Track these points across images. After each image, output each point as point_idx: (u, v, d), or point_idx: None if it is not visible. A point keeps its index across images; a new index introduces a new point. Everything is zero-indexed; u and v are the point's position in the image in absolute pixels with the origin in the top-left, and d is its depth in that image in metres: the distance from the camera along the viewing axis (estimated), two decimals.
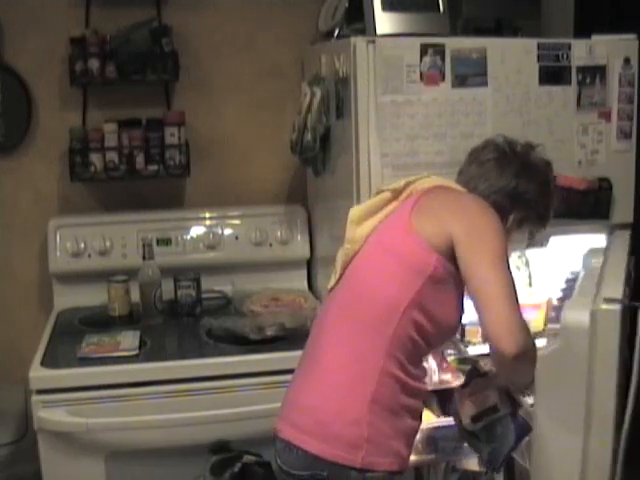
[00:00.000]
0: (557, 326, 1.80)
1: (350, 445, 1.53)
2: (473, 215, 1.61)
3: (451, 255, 1.57)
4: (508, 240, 1.67)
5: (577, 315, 1.67)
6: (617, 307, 1.64)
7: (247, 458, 2.01)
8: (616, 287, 1.76)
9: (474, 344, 2.33)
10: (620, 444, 1.68)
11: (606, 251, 2.16)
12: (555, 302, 2.25)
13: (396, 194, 1.74)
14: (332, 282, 1.72)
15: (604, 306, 1.65)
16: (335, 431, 1.54)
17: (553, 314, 2.14)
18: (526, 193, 1.74)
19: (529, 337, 1.52)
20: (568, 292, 2.15)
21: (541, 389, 1.71)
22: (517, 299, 1.54)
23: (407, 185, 1.74)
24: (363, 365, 1.56)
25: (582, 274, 2.08)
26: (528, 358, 1.55)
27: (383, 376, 1.55)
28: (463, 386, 1.82)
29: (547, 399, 1.71)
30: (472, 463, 2.22)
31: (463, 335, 2.35)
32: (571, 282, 2.24)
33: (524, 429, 1.74)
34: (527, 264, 2.55)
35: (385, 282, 1.60)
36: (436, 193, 1.68)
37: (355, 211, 1.74)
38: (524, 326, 1.52)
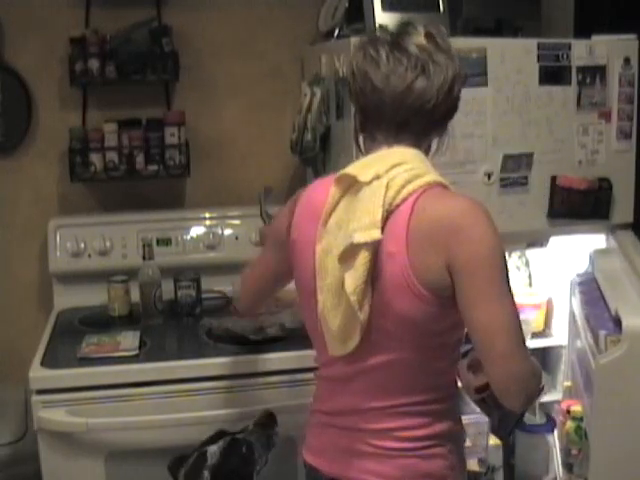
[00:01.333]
0: (604, 332, 1.77)
1: (439, 477, 1.50)
2: (473, 239, 1.36)
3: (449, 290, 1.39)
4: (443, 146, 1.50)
5: (637, 321, 1.64)
6: None
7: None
8: None
9: None
10: None
11: (618, 251, 2.12)
12: (581, 307, 2.15)
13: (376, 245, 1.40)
14: (340, 352, 1.49)
15: None
16: (424, 470, 1.49)
17: (591, 320, 2.01)
18: (459, 90, 1.44)
19: (538, 379, 1.40)
20: (590, 295, 2.09)
21: (603, 397, 1.69)
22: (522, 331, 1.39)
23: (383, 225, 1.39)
24: (430, 416, 1.52)
25: (600, 277, 2.04)
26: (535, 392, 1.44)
27: (452, 414, 1.54)
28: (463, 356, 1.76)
29: (609, 407, 1.68)
30: (472, 463, 2.22)
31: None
32: (585, 285, 2.19)
33: None
34: (527, 264, 2.55)
35: (422, 356, 1.46)
36: (422, 214, 1.39)
37: (355, 296, 1.39)
38: (533, 370, 1.38)
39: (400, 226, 1.38)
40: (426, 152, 1.50)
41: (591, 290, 2.10)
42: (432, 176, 1.43)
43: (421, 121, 1.44)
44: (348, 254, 1.39)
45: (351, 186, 1.44)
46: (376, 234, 1.36)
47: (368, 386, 1.50)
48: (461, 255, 1.35)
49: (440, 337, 1.44)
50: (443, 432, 1.49)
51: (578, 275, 2.28)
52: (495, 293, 1.36)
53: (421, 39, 1.43)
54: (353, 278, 1.38)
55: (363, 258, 1.37)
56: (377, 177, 1.41)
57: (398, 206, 1.39)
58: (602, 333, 1.81)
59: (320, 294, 1.47)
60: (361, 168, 1.45)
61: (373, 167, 1.43)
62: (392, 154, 1.45)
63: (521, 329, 1.39)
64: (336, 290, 1.43)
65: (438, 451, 1.49)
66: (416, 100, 1.41)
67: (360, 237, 1.36)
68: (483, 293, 1.36)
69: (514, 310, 1.38)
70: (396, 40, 1.43)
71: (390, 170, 1.41)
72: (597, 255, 2.21)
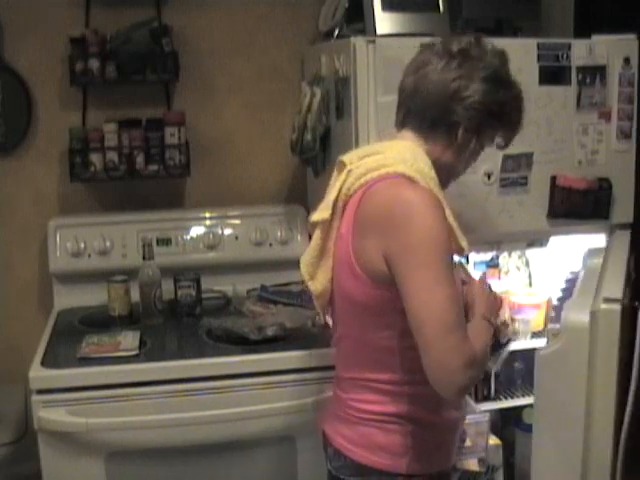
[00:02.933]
0: (557, 326, 1.80)
1: (395, 453, 1.55)
2: (406, 224, 1.40)
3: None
4: (466, 154, 1.56)
5: (577, 315, 1.67)
6: (617, 307, 1.64)
7: None
8: (616, 287, 1.76)
9: None
10: (620, 442, 1.68)
11: (606, 251, 2.16)
12: (555, 302, 2.25)
13: (327, 223, 1.57)
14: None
15: (604, 306, 1.65)
16: (380, 441, 1.56)
17: (553, 314, 2.14)
18: (469, 97, 1.50)
19: (471, 369, 1.37)
20: (568, 292, 2.15)
21: (542, 389, 1.71)
22: (459, 319, 1.39)
23: (334, 206, 1.56)
24: (390, 397, 1.57)
25: (582, 274, 2.08)
26: (473, 382, 1.50)
27: (413, 400, 1.55)
28: None
29: (548, 398, 1.71)
30: (472, 463, 2.22)
31: None
32: (571, 282, 2.24)
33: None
34: (527, 264, 2.55)
35: (368, 332, 1.54)
36: (369, 201, 1.48)
37: (303, 266, 1.61)
38: (466, 362, 1.37)
39: (351, 210, 1.51)
40: (435, 151, 1.55)
41: (571, 288, 2.12)
42: (398, 167, 1.48)
43: (421, 117, 1.55)
44: (311, 231, 1.62)
45: (343, 170, 1.59)
46: (326, 215, 1.55)
47: (340, 355, 1.67)
48: (393, 244, 1.41)
49: (382, 318, 1.50)
50: (401, 413, 1.55)
51: (571, 273, 2.30)
52: (424, 282, 1.38)
53: (440, 45, 1.56)
54: (307, 252, 1.61)
55: (316, 235, 1.59)
56: (350, 163, 1.56)
57: (356, 191, 1.52)
58: (549, 327, 1.83)
59: None
60: (351, 154, 1.61)
61: (356, 155, 1.59)
62: (382, 145, 1.60)
63: (456, 320, 1.39)
64: None
65: (396, 428, 1.55)
66: (407, 97, 1.57)
67: (315, 216, 1.58)
68: (413, 282, 1.39)
69: (444, 300, 1.37)
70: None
71: (361, 159, 1.55)
72: (588, 254, 2.22)
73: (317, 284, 1.60)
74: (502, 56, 1.59)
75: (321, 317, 1.73)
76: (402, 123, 1.60)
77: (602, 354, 1.63)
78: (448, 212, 1.49)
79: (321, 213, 1.57)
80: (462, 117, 1.52)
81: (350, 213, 1.52)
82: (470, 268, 2.40)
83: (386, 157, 1.52)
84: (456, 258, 1.66)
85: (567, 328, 1.69)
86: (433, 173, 1.52)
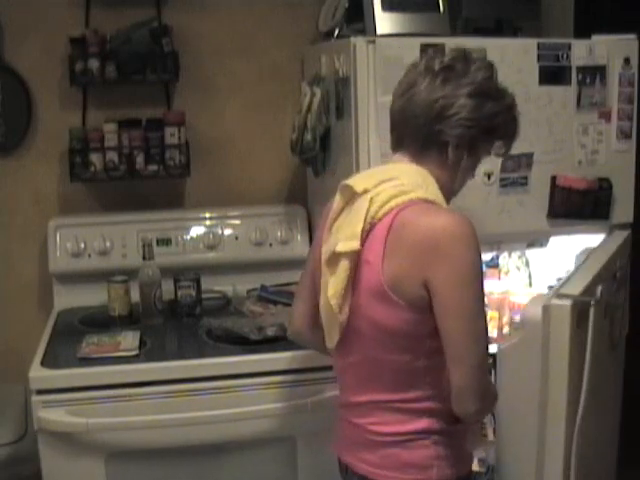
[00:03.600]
0: (518, 320, 1.84)
1: (422, 467, 1.54)
2: (448, 255, 1.42)
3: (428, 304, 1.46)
4: (462, 170, 1.57)
5: (532, 310, 1.70)
6: (567, 302, 1.67)
7: None
8: (578, 284, 1.78)
9: None
10: (574, 433, 1.70)
11: (593, 250, 2.16)
12: None
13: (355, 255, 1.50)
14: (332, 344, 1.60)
15: (555, 301, 1.68)
16: (406, 459, 1.55)
17: None
18: (456, 114, 1.49)
19: (488, 402, 1.52)
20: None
21: (502, 381, 1.75)
22: (486, 349, 1.49)
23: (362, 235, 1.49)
24: (407, 416, 1.56)
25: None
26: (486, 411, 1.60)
27: (430, 415, 1.55)
28: None
29: (508, 391, 1.74)
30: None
31: None
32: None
33: None
34: (527, 264, 2.55)
35: (393, 354, 1.52)
36: (401, 228, 1.46)
37: (335, 299, 1.52)
38: (490, 393, 1.52)
39: (379, 238, 1.47)
40: (433, 172, 1.54)
41: None
42: (419, 192, 1.49)
43: (412, 139, 1.55)
44: (332, 261, 1.52)
45: (352, 196, 1.54)
46: (355, 245, 1.47)
47: (352, 381, 1.62)
48: (440, 271, 1.42)
49: (411, 341, 1.50)
50: (423, 429, 1.54)
51: (567, 273, 2.30)
52: (470, 311, 1.43)
53: (423, 63, 1.55)
54: (333, 283, 1.51)
55: (343, 266, 1.49)
56: (366, 191, 1.51)
57: (380, 220, 1.48)
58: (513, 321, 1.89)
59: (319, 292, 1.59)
60: (360, 179, 1.56)
61: (368, 180, 1.54)
62: (388, 169, 1.57)
63: (487, 351, 1.49)
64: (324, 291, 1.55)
65: (420, 443, 1.54)
66: (397, 121, 1.57)
67: (341, 247, 1.49)
68: (461, 309, 1.43)
69: (483, 329, 1.47)
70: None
71: (378, 185, 1.51)
72: (581, 254, 2.23)
73: (344, 315, 1.53)
74: (488, 69, 1.56)
75: (329, 344, 1.62)
76: (396, 146, 1.59)
77: (554, 349, 1.66)
78: None
79: (349, 244, 1.48)
80: (450, 136, 1.51)
81: (378, 240, 1.48)
82: None
83: (403, 183, 1.50)
84: None
85: (523, 322, 1.73)
86: (441, 195, 1.53)
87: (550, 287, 2.29)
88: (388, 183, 1.51)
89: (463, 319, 1.43)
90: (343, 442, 1.66)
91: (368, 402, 1.58)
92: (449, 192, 1.59)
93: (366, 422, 1.58)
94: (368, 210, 1.48)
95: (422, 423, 1.54)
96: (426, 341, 1.49)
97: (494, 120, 1.54)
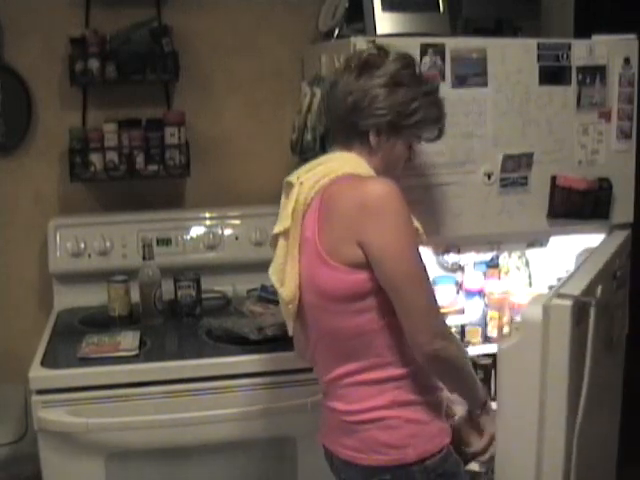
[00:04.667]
0: (518, 320, 1.83)
1: (399, 446, 1.59)
2: (378, 213, 1.51)
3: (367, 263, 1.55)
4: (394, 156, 1.68)
5: (532, 310, 1.70)
6: (568, 302, 1.66)
7: None
8: (578, 284, 1.78)
9: (474, 344, 2.34)
10: (574, 433, 1.70)
11: (593, 250, 2.16)
12: None
13: (287, 232, 1.65)
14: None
15: (555, 301, 1.68)
16: (383, 441, 1.60)
17: None
18: (368, 106, 1.60)
19: (442, 340, 1.55)
20: None
21: (501, 382, 1.75)
22: (434, 297, 1.58)
23: (293, 215, 1.63)
24: (374, 388, 1.61)
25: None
26: (447, 358, 1.58)
27: (395, 382, 1.60)
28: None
29: (507, 392, 1.74)
30: (472, 463, 2.22)
31: (463, 335, 2.36)
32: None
33: None
34: (527, 264, 2.55)
35: (345, 320, 1.59)
36: (330, 197, 1.58)
37: (273, 276, 1.69)
38: (441, 328, 1.58)
39: (313, 215, 1.60)
40: (367, 160, 1.66)
41: None
42: (346, 169, 1.62)
43: (338, 132, 1.70)
44: (272, 244, 1.71)
45: (290, 188, 1.68)
46: (286, 224, 1.63)
47: (320, 360, 1.70)
48: (370, 230, 1.51)
49: (360, 302, 1.56)
50: (392, 402, 1.59)
51: (567, 273, 2.29)
52: (405, 260, 1.53)
53: (343, 62, 1.70)
54: (274, 262, 1.69)
55: (281, 244, 1.67)
56: (298, 178, 1.65)
57: (313, 199, 1.61)
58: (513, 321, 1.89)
59: None
60: (296, 173, 1.69)
61: (301, 171, 1.68)
62: (320, 159, 1.70)
63: (431, 289, 1.59)
64: None
65: (393, 423, 1.59)
66: (330, 115, 1.72)
67: (276, 228, 1.67)
68: (394, 259, 1.52)
69: (423, 273, 1.56)
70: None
71: (309, 171, 1.65)
72: (581, 254, 2.22)
73: (287, 290, 1.65)
74: (404, 58, 1.66)
75: (289, 327, 1.74)
76: (331, 142, 1.73)
77: (554, 349, 1.66)
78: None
79: (281, 224, 1.66)
80: (367, 125, 1.62)
81: (312, 218, 1.60)
82: (470, 268, 2.40)
83: (332, 165, 1.64)
84: None
85: (523, 322, 1.73)
86: (373, 172, 1.64)
87: (550, 287, 2.29)
88: (317, 168, 1.65)
89: (401, 264, 1.51)
90: (325, 430, 1.72)
91: (335, 378, 1.63)
92: (387, 175, 1.65)
93: (338, 404, 1.64)
94: (299, 194, 1.62)
95: (388, 395, 1.59)
96: (372, 300, 1.55)
97: (410, 106, 1.62)
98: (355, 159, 1.65)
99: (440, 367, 1.59)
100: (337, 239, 1.55)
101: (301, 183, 1.64)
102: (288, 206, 1.65)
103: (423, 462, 1.59)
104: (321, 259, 1.57)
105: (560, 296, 1.70)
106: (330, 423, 1.70)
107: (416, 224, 1.63)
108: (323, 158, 1.70)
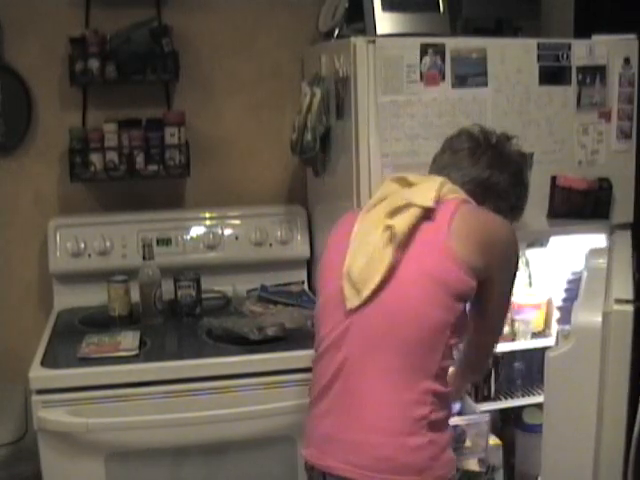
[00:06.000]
0: (567, 327, 1.79)
1: (420, 469, 1.54)
2: (503, 249, 1.67)
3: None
4: None
5: (589, 316, 1.67)
6: (629, 308, 1.64)
7: None
8: (626, 288, 1.76)
9: None
10: (632, 446, 1.68)
11: (609, 251, 2.15)
12: (561, 302, 2.23)
13: (426, 211, 1.63)
14: (356, 302, 1.60)
15: (616, 307, 1.65)
16: (403, 461, 1.54)
17: (559, 315, 2.13)
18: (498, 184, 1.75)
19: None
20: (572, 293, 2.14)
21: (552, 390, 1.71)
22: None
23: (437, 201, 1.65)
24: (413, 393, 1.55)
25: (585, 274, 2.08)
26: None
27: (434, 398, 1.57)
28: None
29: (559, 400, 1.71)
30: (472, 463, 2.22)
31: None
32: (574, 283, 2.24)
33: None
34: (527, 264, 2.55)
35: (432, 309, 1.56)
36: (464, 214, 1.63)
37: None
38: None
39: (444, 214, 1.61)
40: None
41: (574, 288, 2.12)
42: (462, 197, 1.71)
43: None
44: (399, 210, 1.62)
45: (406, 184, 1.71)
46: (430, 202, 1.61)
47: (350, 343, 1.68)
48: (495, 257, 1.63)
49: (456, 301, 1.60)
50: (425, 417, 1.55)
51: (572, 274, 2.29)
52: (506, 295, 1.79)
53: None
54: (401, 219, 1.60)
55: (414, 211, 1.60)
56: (430, 180, 1.71)
57: (445, 202, 1.64)
58: (558, 328, 1.88)
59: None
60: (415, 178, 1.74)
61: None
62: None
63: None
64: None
65: (419, 441, 1.55)
66: (444, 168, 1.80)
67: (418, 200, 1.61)
68: (501, 291, 1.74)
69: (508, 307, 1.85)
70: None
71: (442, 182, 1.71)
72: (590, 254, 2.22)
73: (389, 254, 1.61)
74: (526, 158, 1.86)
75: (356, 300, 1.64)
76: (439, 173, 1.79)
77: (614, 356, 1.62)
78: None
79: (425, 200, 1.62)
80: (487, 199, 1.74)
81: (444, 216, 1.61)
82: None
83: (452, 189, 1.71)
84: None
85: (578, 329, 1.68)
86: None
87: (566, 289, 2.26)
88: (439, 183, 1.69)
89: (501, 298, 1.75)
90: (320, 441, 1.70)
91: (373, 365, 1.57)
92: None
93: (365, 398, 1.56)
94: (440, 189, 1.64)
95: (426, 409, 1.55)
96: (462, 309, 1.61)
97: (518, 202, 1.84)
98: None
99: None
100: (466, 246, 1.58)
101: (441, 182, 1.67)
102: (430, 192, 1.63)
103: None
104: (448, 254, 1.56)
105: (619, 302, 1.67)
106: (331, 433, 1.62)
107: None
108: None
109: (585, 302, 1.76)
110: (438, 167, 1.78)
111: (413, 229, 1.59)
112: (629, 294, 1.70)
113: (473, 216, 1.65)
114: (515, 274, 1.75)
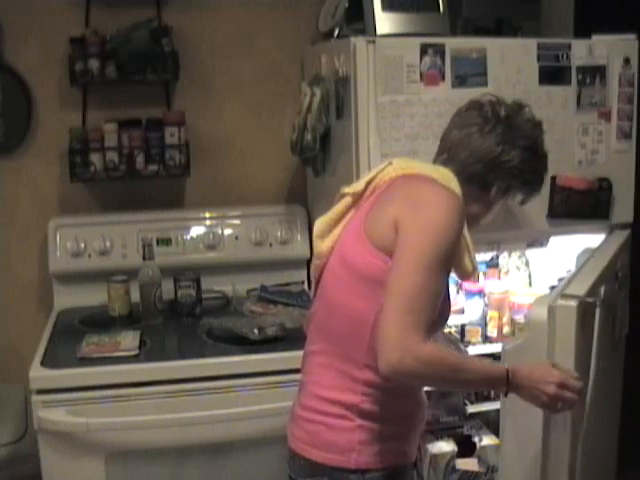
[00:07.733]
0: (522, 320, 1.83)
1: (344, 449, 1.56)
2: (426, 207, 1.49)
3: None
4: (493, 210, 1.70)
5: (537, 310, 1.71)
6: (573, 303, 1.66)
7: None
8: (582, 284, 1.78)
9: (474, 344, 2.34)
10: (579, 436, 1.70)
11: (594, 250, 2.16)
12: None
13: (357, 197, 1.66)
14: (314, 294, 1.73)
15: (560, 302, 1.68)
16: (327, 438, 1.58)
17: None
18: (510, 161, 1.64)
19: (412, 360, 1.38)
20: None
21: None
22: (426, 311, 1.42)
23: (368, 184, 1.66)
24: (345, 380, 1.57)
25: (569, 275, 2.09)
26: (413, 376, 1.44)
27: (366, 388, 1.55)
28: None
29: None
30: (472, 463, 2.22)
31: (463, 335, 2.36)
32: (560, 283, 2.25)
33: None
34: (527, 264, 2.55)
35: (349, 297, 1.56)
36: (397, 185, 1.60)
37: (318, 224, 1.70)
38: (412, 350, 1.38)
39: (378, 193, 1.61)
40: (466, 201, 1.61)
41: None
42: (433, 175, 1.60)
43: (454, 167, 1.66)
44: (338, 200, 1.70)
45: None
46: (358, 188, 1.65)
47: (310, 331, 1.72)
48: (410, 216, 1.48)
49: (369, 286, 1.53)
50: (355, 406, 1.55)
51: (567, 273, 2.30)
52: (414, 262, 1.43)
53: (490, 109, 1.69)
54: (327, 214, 1.69)
55: (343, 202, 1.67)
56: (391, 162, 1.67)
57: (387, 181, 1.63)
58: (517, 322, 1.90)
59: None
60: (402, 160, 1.72)
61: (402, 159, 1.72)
62: (426, 164, 1.70)
63: (422, 309, 1.41)
64: None
65: (344, 424, 1.56)
66: (451, 148, 1.70)
67: (346, 189, 1.68)
68: (406, 256, 1.45)
69: (422, 285, 1.42)
70: None
71: (406, 162, 1.68)
72: (581, 254, 2.23)
73: (323, 245, 1.67)
74: (540, 127, 1.72)
75: (312, 286, 1.76)
76: (442, 163, 1.69)
77: (560, 350, 1.66)
78: (466, 232, 1.57)
79: (355, 186, 1.67)
80: (498, 178, 1.64)
81: (376, 195, 1.61)
82: None
83: (425, 167, 1.64)
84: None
85: (528, 323, 1.73)
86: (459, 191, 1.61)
87: (552, 287, 2.29)
88: (414, 164, 1.66)
89: (406, 266, 1.43)
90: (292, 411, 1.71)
91: (317, 351, 1.64)
92: (471, 224, 1.64)
93: (309, 380, 1.65)
94: (382, 170, 1.64)
95: (355, 398, 1.55)
96: (380, 292, 1.46)
97: (535, 176, 1.71)
98: (450, 175, 1.62)
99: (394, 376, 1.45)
100: (382, 213, 1.54)
101: (390, 163, 1.66)
102: (367, 175, 1.68)
103: (362, 473, 1.55)
104: (357, 228, 1.57)
105: (565, 297, 1.70)
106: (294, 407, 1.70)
107: (471, 263, 1.60)
108: (427, 164, 1.68)
109: (543, 297, 1.79)
110: (446, 146, 1.70)
111: (342, 218, 1.67)
112: (581, 290, 1.72)
113: (404, 183, 1.59)
114: (441, 254, 1.44)
